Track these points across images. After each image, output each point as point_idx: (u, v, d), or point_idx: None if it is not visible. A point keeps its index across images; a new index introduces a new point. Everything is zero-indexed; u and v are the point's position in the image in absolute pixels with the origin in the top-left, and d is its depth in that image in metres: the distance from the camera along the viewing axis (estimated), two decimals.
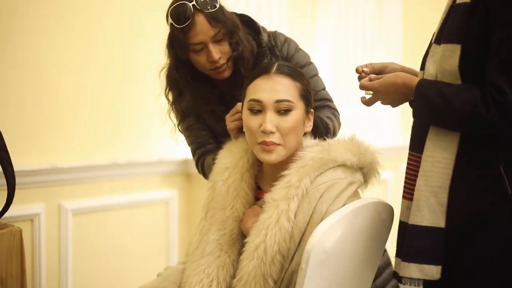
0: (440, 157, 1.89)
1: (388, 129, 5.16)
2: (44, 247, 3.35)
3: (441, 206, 1.89)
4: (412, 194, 1.94)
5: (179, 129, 2.71)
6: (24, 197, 3.18)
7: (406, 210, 2.00)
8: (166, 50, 2.51)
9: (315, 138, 2.26)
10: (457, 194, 1.89)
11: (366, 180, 2.16)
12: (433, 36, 2.02)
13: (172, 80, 2.54)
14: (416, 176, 1.94)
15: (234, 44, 2.42)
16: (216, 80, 2.52)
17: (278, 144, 2.05)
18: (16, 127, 3.20)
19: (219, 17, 2.38)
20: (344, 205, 2.03)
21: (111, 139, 3.64)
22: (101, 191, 3.60)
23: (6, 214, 2.55)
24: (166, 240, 3.91)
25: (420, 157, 1.93)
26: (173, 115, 2.68)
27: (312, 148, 2.12)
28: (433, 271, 1.89)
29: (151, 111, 3.79)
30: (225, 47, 2.41)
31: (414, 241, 1.91)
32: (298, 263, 1.95)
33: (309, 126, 2.16)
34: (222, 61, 2.41)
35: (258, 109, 2.07)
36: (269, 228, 1.99)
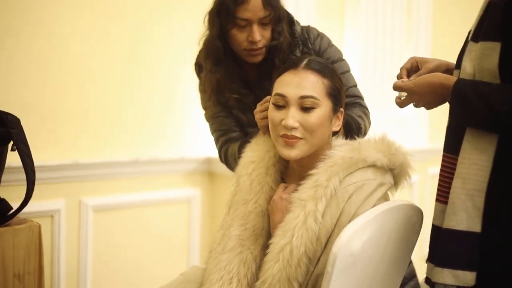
0: (478, 159, 1.81)
1: (416, 132, 5.08)
2: (64, 244, 3.33)
3: (477, 210, 1.81)
4: (447, 197, 1.87)
5: (205, 117, 2.69)
6: (44, 193, 3.17)
7: (440, 213, 1.92)
8: (209, 18, 2.48)
9: (347, 138, 2.21)
10: (495, 197, 1.81)
11: (396, 182, 2.09)
12: (469, 33, 1.94)
13: (212, 49, 2.48)
14: (451, 178, 1.86)
15: (276, 33, 2.42)
16: (244, 65, 2.50)
17: (300, 138, 1.99)
18: (39, 122, 3.19)
19: (273, 2, 2.39)
20: (373, 207, 1.96)
21: (133, 136, 3.61)
22: (122, 188, 3.57)
23: (26, 209, 2.51)
24: (188, 239, 3.87)
25: (456, 159, 1.86)
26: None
27: (342, 147, 2.05)
28: (467, 277, 1.82)
29: (175, 109, 3.78)
30: (268, 32, 2.41)
31: (449, 246, 1.84)
32: (324, 266, 1.89)
33: (337, 126, 2.09)
34: (260, 45, 2.40)
35: (282, 104, 2.02)
36: (295, 229, 1.93)
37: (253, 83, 2.51)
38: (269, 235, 2.07)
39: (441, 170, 1.94)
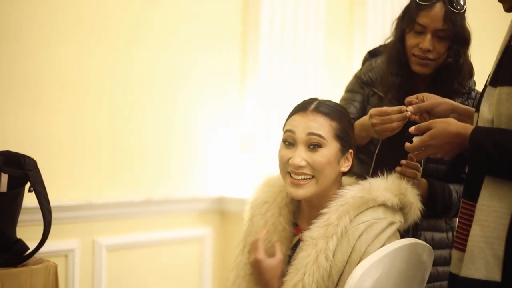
0: (498, 206, 1.77)
1: None
2: (78, 283, 3.35)
3: (497, 259, 1.76)
4: (465, 245, 1.83)
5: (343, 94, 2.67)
6: (59, 233, 3.19)
7: (458, 261, 1.87)
8: (395, 23, 2.50)
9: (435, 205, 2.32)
10: None
11: (406, 220, 2.12)
12: (488, 77, 1.93)
13: (394, 51, 2.46)
14: (469, 225, 1.83)
15: (451, 51, 2.38)
16: (417, 77, 2.46)
17: (310, 177, 2.04)
18: (52, 163, 3.23)
19: (456, 19, 2.35)
20: (383, 245, 1.99)
21: (146, 176, 3.65)
22: (135, 227, 3.60)
23: (41, 249, 2.55)
24: (200, 277, 3.88)
25: (474, 206, 1.82)
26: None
27: (353, 186, 2.09)
28: None
29: (188, 149, 3.81)
30: (441, 47, 2.37)
31: None
32: None
33: (346, 166, 2.13)
34: (430, 55, 2.37)
35: (291, 141, 2.08)
36: (307, 267, 1.97)
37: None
38: (283, 272, 2.09)
39: (459, 217, 1.91)
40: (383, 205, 2.05)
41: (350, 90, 2.61)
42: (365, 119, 2.31)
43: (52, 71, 3.26)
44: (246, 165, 3.98)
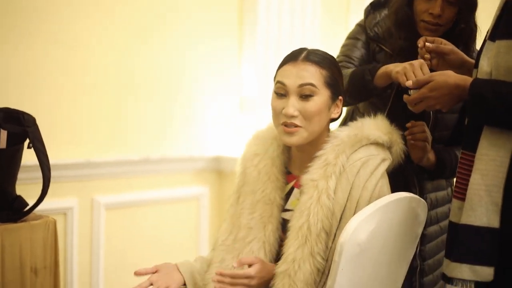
0: (496, 155, 1.82)
1: None
2: (77, 241, 3.40)
3: (495, 206, 1.81)
4: (464, 194, 1.87)
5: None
6: (57, 191, 3.23)
7: (457, 210, 1.91)
8: None
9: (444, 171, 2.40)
10: None
11: (393, 160, 2.18)
12: (487, 33, 1.96)
13: (403, 16, 2.43)
14: (469, 175, 1.87)
15: (461, 16, 2.36)
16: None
17: (300, 126, 2.08)
18: (52, 121, 3.25)
19: None
20: (378, 181, 2.06)
21: (144, 135, 3.68)
22: (133, 186, 3.64)
23: (40, 207, 2.58)
24: (197, 235, 3.94)
25: (473, 156, 1.87)
26: None
27: (344, 127, 2.16)
28: (486, 273, 1.82)
29: (185, 108, 3.83)
30: (451, 11, 2.34)
31: (467, 241, 1.84)
32: None
33: (336, 113, 2.17)
34: (440, 21, 2.34)
35: (282, 92, 2.10)
36: (311, 208, 2.02)
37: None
38: (278, 220, 2.15)
39: (459, 167, 1.95)
40: (374, 143, 2.11)
41: (353, 37, 2.59)
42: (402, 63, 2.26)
43: (53, 30, 3.26)
44: (244, 126, 4.01)
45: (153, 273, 2.15)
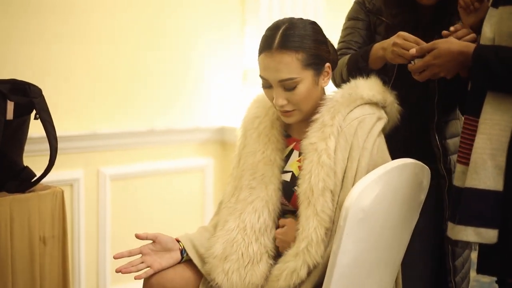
0: (499, 119, 1.84)
1: None
2: (83, 212, 3.43)
3: (499, 169, 1.84)
4: (468, 159, 1.89)
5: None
6: (64, 162, 3.26)
7: (461, 174, 1.93)
8: None
9: None
10: None
11: (388, 120, 2.19)
12: (490, 0, 1.98)
13: None
14: (473, 140, 1.89)
15: None
16: (421, 8, 2.40)
17: (293, 110, 2.11)
18: (58, 93, 3.27)
19: None
20: (375, 141, 2.08)
21: (149, 106, 3.70)
22: (138, 157, 3.67)
23: (46, 179, 2.59)
24: (201, 206, 3.97)
25: (477, 121, 1.89)
26: None
27: (338, 90, 2.18)
28: (490, 235, 1.84)
29: (189, 79, 3.84)
30: None
31: (471, 204, 1.86)
32: (343, 201, 1.98)
33: (326, 81, 2.17)
34: None
35: (268, 85, 2.12)
36: (312, 170, 2.05)
37: (425, 26, 2.40)
38: (279, 180, 2.19)
39: (462, 132, 1.97)
40: (368, 103, 2.13)
41: (353, 17, 2.55)
42: (388, 40, 2.25)
43: (60, 3, 3.28)
44: (247, 97, 4.02)
45: (152, 241, 2.19)
